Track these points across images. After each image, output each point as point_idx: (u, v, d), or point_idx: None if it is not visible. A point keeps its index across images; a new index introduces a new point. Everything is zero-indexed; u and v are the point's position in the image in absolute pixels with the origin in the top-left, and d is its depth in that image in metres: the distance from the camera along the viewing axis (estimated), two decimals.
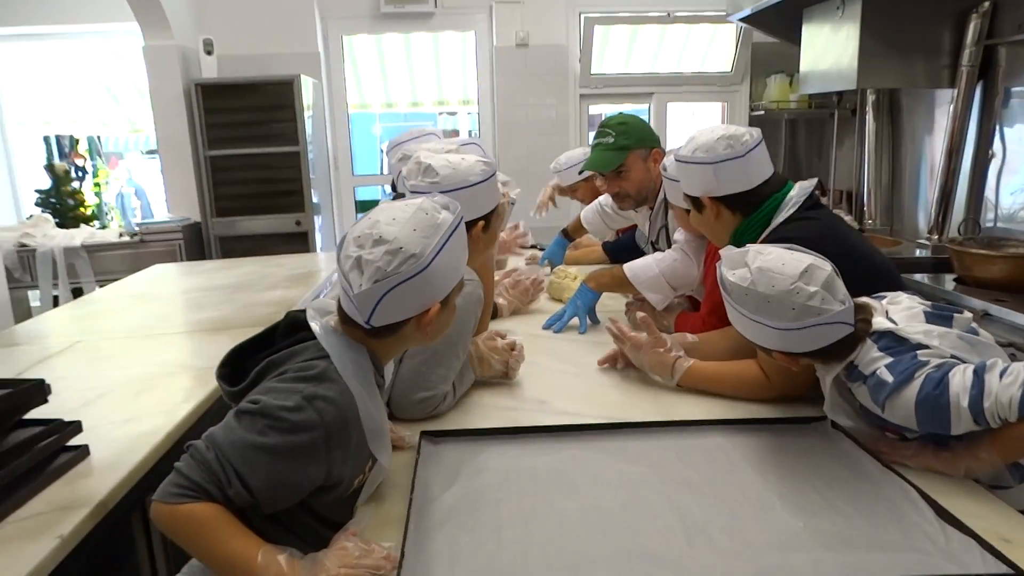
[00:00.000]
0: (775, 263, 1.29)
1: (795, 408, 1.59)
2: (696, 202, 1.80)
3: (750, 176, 1.72)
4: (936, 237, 3.59)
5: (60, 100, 5.37)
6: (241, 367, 1.18)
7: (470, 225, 1.68)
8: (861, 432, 1.40)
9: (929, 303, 1.36)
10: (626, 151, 2.39)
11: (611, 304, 2.51)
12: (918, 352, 1.24)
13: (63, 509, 1.28)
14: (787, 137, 5.09)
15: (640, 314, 1.89)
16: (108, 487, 1.35)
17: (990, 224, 3.41)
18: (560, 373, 1.90)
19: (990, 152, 3.41)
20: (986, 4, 3.32)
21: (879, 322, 1.31)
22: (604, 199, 2.93)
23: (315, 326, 1.16)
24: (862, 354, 1.29)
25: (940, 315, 1.32)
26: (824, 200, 4.52)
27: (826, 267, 1.29)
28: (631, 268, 2.28)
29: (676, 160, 1.82)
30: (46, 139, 5.11)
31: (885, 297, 1.40)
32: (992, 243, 3.05)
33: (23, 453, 1.32)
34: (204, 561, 1.03)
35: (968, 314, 1.35)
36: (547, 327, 2.29)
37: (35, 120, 5.41)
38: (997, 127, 3.38)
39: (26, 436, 1.35)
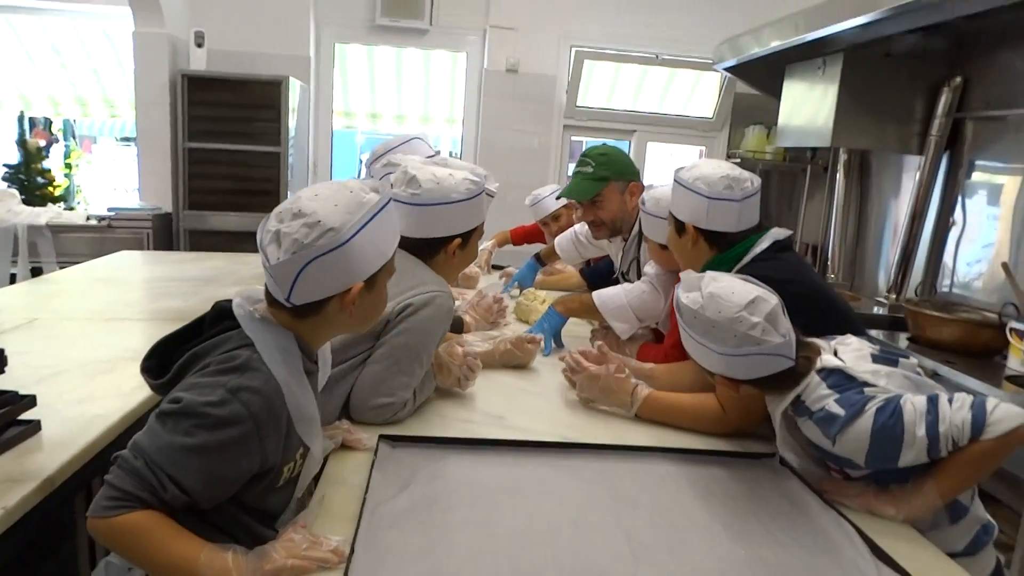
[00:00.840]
0: (725, 291, 1.35)
1: (747, 444, 1.63)
2: (679, 225, 1.85)
3: (739, 220, 1.79)
4: (894, 296, 3.70)
5: (40, 78, 5.30)
6: (168, 359, 1.15)
7: (446, 241, 1.71)
8: (807, 470, 1.45)
9: (877, 347, 1.42)
10: (604, 182, 2.44)
11: (577, 330, 2.55)
12: (865, 389, 1.30)
13: (10, 481, 1.26)
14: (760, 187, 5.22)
15: (599, 342, 1.93)
16: (57, 464, 1.34)
17: (946, 289, 3.53)
18: (520, 391, 1.92)
19: (951, 220, 3.55)
20: (958, 79, 3.48)
21: (828, 360, 1.36)
22: (579, 227, 2.98)
23: (239, 313, 1.14)
24: (809, 390, 1.33)
25: (887, 358, 1.39)
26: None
27: (771, 300, 1.35)
28: (600, 296, 2.32)
29: (675, 180, 1.86)
30: (19, 117, 5.04)
31: (835, 339, 1.46)
32: (946, 306, 3.16)
33: None
34: (147, 569, 1.02)
35: (913, 360, 1.42)
36: None
37: (11, 97, 5.33)
38: (960, 197, 3.51)
39: None
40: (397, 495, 1.26)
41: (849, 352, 1.39)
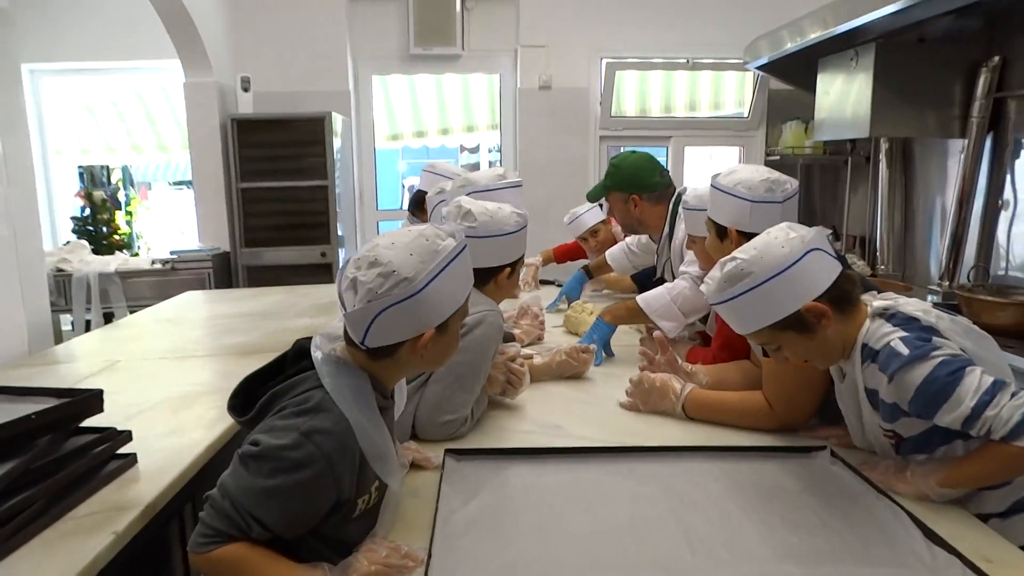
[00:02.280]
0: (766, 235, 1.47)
1: (797, 439, 1.67)
2: (720, 229, 1.91)
3: (779, 222, 1.84)
4: (947, 283, 3.66)
5: (98, 130, 5.62)
6: (253, 395, 1.21)
7: (498, 270, 1.83)
8: (864, 442, 1.49)
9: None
10: (607, 190, 2.74)
11: (625, 339, 2.61)
12: (933, 337, 1.32)
13: (116, 509, 1.39)
14: (802, 182, 5.19)
15: (657, 332, 2.00)
16: (156, 491, 1.46)
17: (1002, 272, 3.49)
18: (575, 401, 2.00)
19: (1000, 201, 3.50)
20: (996, 59, 3.45)
21: (892, 304, 1.41)
22: (630, 239, 3.11)
23: (316, 354, 1.20)
24: (873, 330, 1.38)
25: (946, 309, 1.42)
26: (838, 245, 4.62)
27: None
28: (644, 299, 2.40)
29: (712, 186, 1.92)
30: (80, 170, 5.34)
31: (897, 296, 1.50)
32: (1001, 291, 3.13)
33: (81, 457, 1.44)
34: None
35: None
36: None
37: (73, 149, 5.65)
38: (1008, 177, 3.47)
39: (83, 442, 1.47)
40: (466, 504, 1.35)
41: (910, 305, 1.42)
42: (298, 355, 1.25)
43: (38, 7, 4.89)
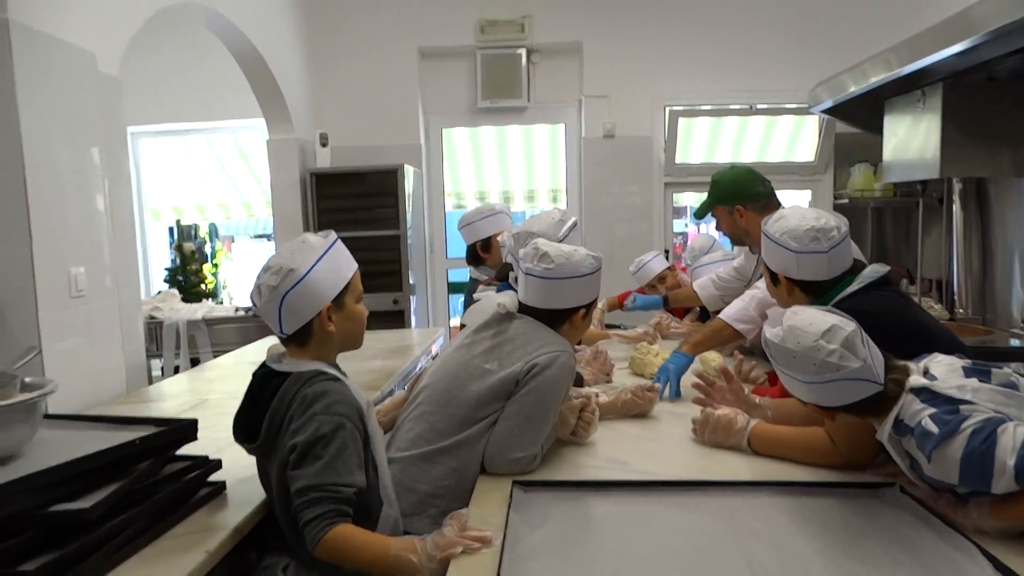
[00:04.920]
0: (803, 322, 1.44)
1: (865, 477, 1.66)
2: (773, 275, 1.95)
3: (829, 269, 1.86)
4: None
5: (187, 190, 6.02)
6: (249, 426, 1.57)
7: (574, 311, 1.90)
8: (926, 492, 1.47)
9: (968, 361, 1.45)
10: (711, 206, 2.84)
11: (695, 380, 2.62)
12: (960, 407, 1.32)
13: (208, 531, 1.50)
14: (873, 225, 5.12)
15: (718, 364, 2.11)
16: (243, 516, 1.57)
17: None
18: (641, 438, 2.02)
19: None
20: None
21: (915, 380, 1.41)
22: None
23: (281, 367, 1.57)
24: (905, 408, 1.38)
25: (978, 370, 1.41)
26: (912, 289, 4.51)
27: (848, 327, 1.42)
28: (724, 310, 2.51)
29: (763, 233, 1.96)
30: (170, 228, 5.73)
31: (924, 358, 1.49)
32: None
33: (178, 481, 1.56)
34: (361, 565, 1.41)
35: (1007, 369, 1.43)
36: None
37: (165, 207, 6.05)
38: None
39: (179, 467, 1.59)
40: (534, 531, 1.40)
41: (940, 367, 1.42)
42: (262, 382, 1.60)
43: (136, 72, 5.32)
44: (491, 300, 1.96)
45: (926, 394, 1.38)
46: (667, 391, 2.38)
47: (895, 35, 3.62)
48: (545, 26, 5.32)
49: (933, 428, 1.32)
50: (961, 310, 4.19)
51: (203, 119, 5.64)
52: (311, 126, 5.21)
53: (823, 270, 1.84)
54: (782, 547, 1.32)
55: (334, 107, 5.36)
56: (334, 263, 1.60)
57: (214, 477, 1.71)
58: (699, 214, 2.97)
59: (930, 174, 3.75)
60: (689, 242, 4.77)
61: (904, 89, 3.87)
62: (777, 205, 2.67)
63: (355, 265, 1.68)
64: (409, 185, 5.04)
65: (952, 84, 3.59)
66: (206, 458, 1.68)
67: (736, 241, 2.96)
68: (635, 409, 2.21)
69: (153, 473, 1.52)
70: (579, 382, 2.51)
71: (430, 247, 5.71)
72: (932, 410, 1.34)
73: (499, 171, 5.78)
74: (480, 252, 3.29)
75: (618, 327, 3.81)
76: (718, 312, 2.68)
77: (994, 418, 1.30)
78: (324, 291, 1.57)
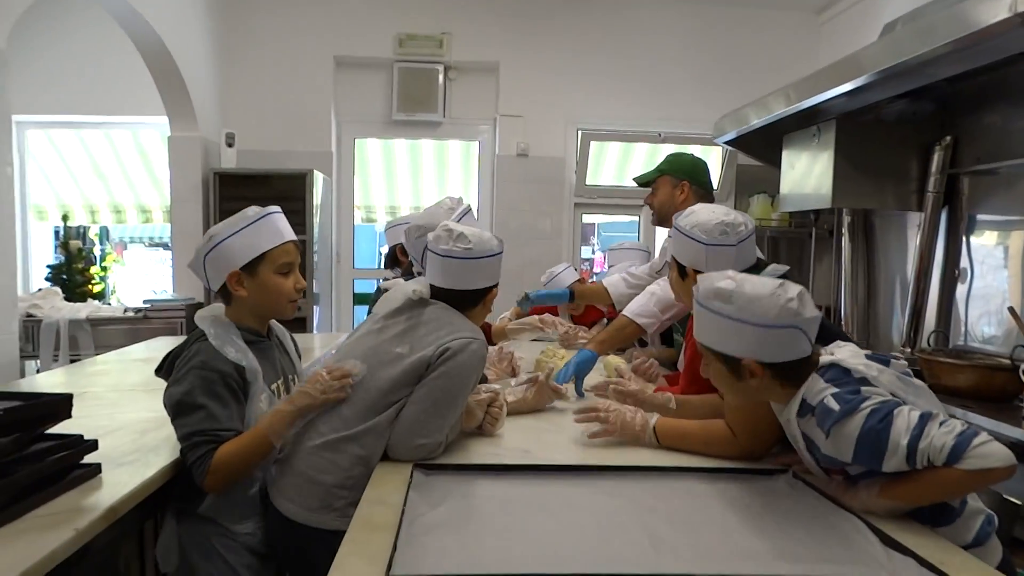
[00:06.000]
0: (756, 279, 1.46)
1: (762, 464, 1.70)
2: (680, 268, 1.99)
3: (736, 262, 1.91)
4: (909, 350, 3.76)
5: (77, 188, 5.67)
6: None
7: (487, 291, 1.90)
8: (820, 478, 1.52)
9: (868, 351, 1.51)
10: (661, 173, 2.82)
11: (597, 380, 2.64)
12: (862, 388, 1.38)
13: (78, 511, 1.38)
14: (769, 254, 5.35)
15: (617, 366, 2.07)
16: (118, 495, 1.46)
17: (960, 341, 3.59)
18: (544, 431, 2.01)
19: (956, 272, 3.64)
20: (948, 138, 3.64)
21: (825, 358, 1.46)
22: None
23: (197, 320, 1.76)
24: (809, 386, 1.43)
25: (879, 358, 1.48)
26: None
27: (796, 285, 1.45)
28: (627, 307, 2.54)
29: (673, 226, 2.00)
30: (56, 229, 5.38)
31: (831, 345, 1.55)
32: (960, 354, 3.22)
33: (44, 459, 1.43)
34: (257, 462, 1.65)
35: (903, 361, 1.50)
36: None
37: (52, 207, 5.68)
38: (964, 250, 3.61)
39: (49, 445, 1.46)
40: (432, 509, 1.36)
41: (844, 352, 1.48)
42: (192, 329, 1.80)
43: (26, 57, 5.01)
44: (401, 288, 1.91)
45: (833, 371, 1.42)
46: (571, 390, 2.38)
47: (797, 74, 3.83)
48: (463, 44, 5.36)
49: (835, 406, 1.35)
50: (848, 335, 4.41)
51: (100, 112, 5.35)
52: (217, 125, 5.03)
53: (731, 263, 1.88)
54: (683, 523, 1.32)
55: (243, 108, 5.20)
56: (255, 234, 1.74)
57: (91, 459, 1.58)
58: (643, 178, 2.93)
59: (823, 204, 3.97)
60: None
61: (801, 125, 4.09)
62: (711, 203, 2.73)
63: (283, 239, 1.79)
64: (318, 193, 4.92)
65: (844, 122, 3.82)
66: (80, 437, 1.55)
67: (662, 218, 2.88)
68: (541, 405, 2.20)
69: (17, 449, 1.39)
70: (483, 382, 2.49)
71: (337, 257, 5.59)
72: (835, 390, 1.38)
73: (411, 185, 5.74)
74: (400, 255, 3.26)
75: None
76: None
77: (891, 400, 1.36)
78: (234, 258, 1.72)
